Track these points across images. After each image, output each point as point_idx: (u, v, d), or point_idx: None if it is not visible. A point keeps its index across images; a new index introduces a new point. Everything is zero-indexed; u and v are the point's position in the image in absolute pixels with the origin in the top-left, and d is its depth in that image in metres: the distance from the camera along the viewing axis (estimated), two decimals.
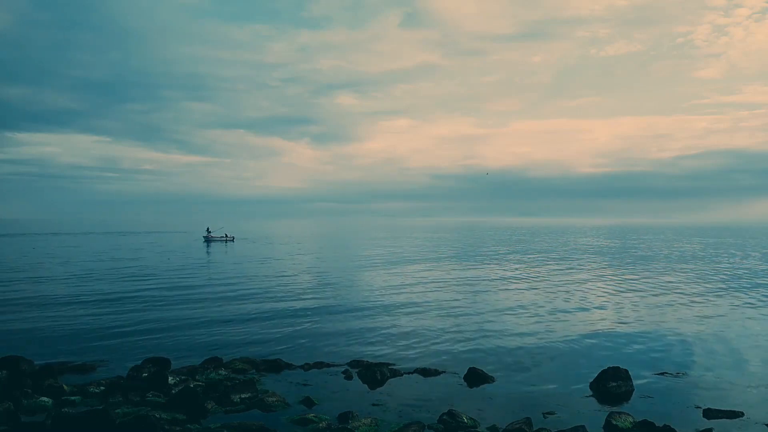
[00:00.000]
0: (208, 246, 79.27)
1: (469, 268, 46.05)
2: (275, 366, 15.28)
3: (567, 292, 31.53)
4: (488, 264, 50.71)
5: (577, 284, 35.21)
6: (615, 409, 12.04)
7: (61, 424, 10.10)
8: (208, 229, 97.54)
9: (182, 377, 13.75)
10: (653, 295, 30.05)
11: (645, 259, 56.65)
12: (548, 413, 11.92)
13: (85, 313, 23.42)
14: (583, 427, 10.58)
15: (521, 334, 20.04)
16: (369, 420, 11.06)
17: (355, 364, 15.73)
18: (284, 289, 32.00)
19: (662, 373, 15.09)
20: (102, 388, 12.84)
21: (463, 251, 70.44)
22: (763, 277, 40.33)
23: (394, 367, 15.37)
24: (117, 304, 26.07)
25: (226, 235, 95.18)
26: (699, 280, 37.52)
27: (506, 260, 55.18)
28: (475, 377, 14.42)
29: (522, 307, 26.14)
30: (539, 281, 36.80)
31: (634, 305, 26.67)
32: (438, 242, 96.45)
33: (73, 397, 12.21)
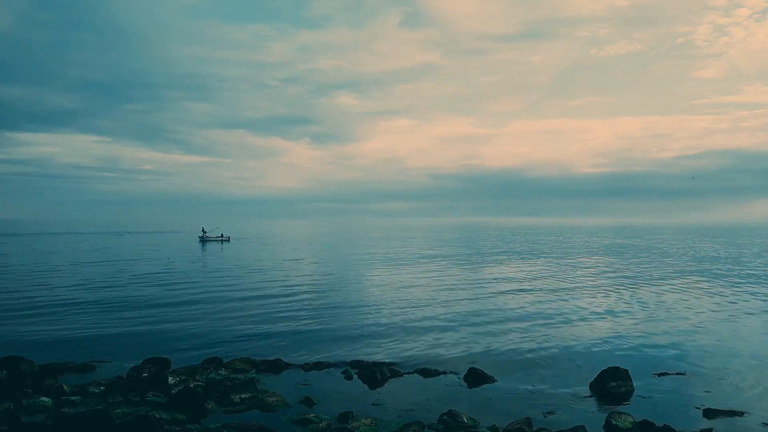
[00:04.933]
0: (203, 246, 79.24)
1: (469, 269, 46.06)
2: (275, 366, 15.29)
3: (567, 291, 31.52)
4: (488, 264, 50.72)
5: (577, 284, 35.21)
6: (615, 409, 12.04)
7: (61, 424, 10.10)
8: (203, 229, 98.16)
9: (182, 377, 13.76)
10: (653, 295, 30.03)
11: (644, 259, 56.66)
12: (548, 413, 11.92)
13: (85, 313, 23.42)
14: (583, 427, 10.59)
15: (521, 334, 20.04)
16: (369, 420, 11.06)
17: (355, 364, 15.73)
18: (284, 289, 32.00)
19: (662, 373, 15.10)
20: (102, 388, 12.85)
21: (462, 251, 70.45)
22: (765, 277, 40.31)
23: (394, 367, 15.38)
24: (117, 304, 26.08)
25: (222, 235, 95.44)
26: (700, 280, 37.51)
27: (506, 260, 55.18)
28: (475, 377, 14.42)
29: (522, 307, 26.14)
30: (539, 281, 36.79)
31: (634, 305, 26.66)
32: (438, 242, 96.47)
33: (73, 397, 12.21)
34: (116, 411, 11.15)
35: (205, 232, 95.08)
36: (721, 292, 31.75)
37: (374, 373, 14.33)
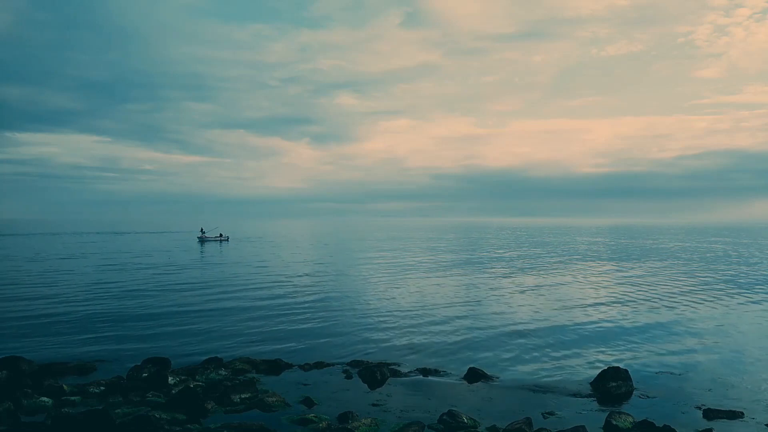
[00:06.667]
0: (202, 246, 79.17)
1: (470, 269, 46.05)
2: (275, 366, 15.28)
3: (567, 291, 31.53)
4: (488, 264, 50.72)
5: (578, 283, 35.21)
6: (615, 409, 12.05)
7: (61, 424, 10.10)
8: (202, 229, 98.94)
9: (182, 377, 13.75)
10: (654, 294, 30.04)
11: (646, 259, 56.65)
12: (548, 413, 11.92)
13: (85, 313, 23.41)
14: (583, 427, 10.58)
15: (521, 334, 20.04)
16: (369, 420, 11.06)
17: (355, 364, 15.73)
18: (284, 289, 32.00)
19: (662, 373, 15.10)
20: (102, 388, 12.84)
21: (462, 252, 70.45)
22: (765, 277, 40.31)
23: (394, 367, 15.38)
24: (116, 304, 26.07)
25: (221, 235, 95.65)
26: (700, 280, 37.51)
27: (506, 261, 55.18)
28: (475, 377, 14.43)
29: (522, 306, 26.14)
30: (540, 281, 36.78)
31: (635, 304, 26.66)
32: (438, 243, 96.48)
33: (73, 397, 12.21)
34: (116, 411, 11.15)
35: (204, 233, 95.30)
36: (723, 292, 31.74)
37: (374, 373, 14.33)
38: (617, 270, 44.95)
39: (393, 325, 21.68)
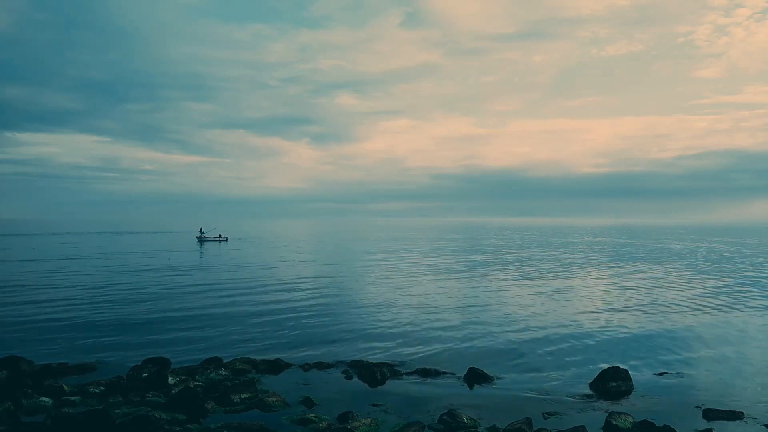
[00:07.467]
0: (201, 246, 79.12)
1: (469, 269, 46.05)
2: (275, 366, 15.29)
3: (567, 292, 31.53)
4: (488, 265, 50.71)
5: (578, 284, 35.21)
6: (615, 409, 12.04)
7: (61, 424, 10.10)
8: (201, 229, 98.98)
9: (182, 377, 13.76)
10: (654, 295, 30.03)
11: (645, 259, 56.64)
12: (548, 413, 11.92)
13: (85, 313, 23.43)
14: (583, 427, 10.58)
15: (521, 335, 20.04)
16: (369, 420, 11.06)
17: (355, 364, 15.73)
18: (284, 289, 32.00)
19: (662, 373, 15.09)
20: (102, 388, 12.85)
21: (463, 252, 70.45)
22: (765, 278, 40.30)
23: (394, 367, 15.37)
24: (116, 304, 26.08)
25: (220, 236, 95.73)
26: (700, 280, 37.51)
27: (506, 261, 55.18)
28: (475, 377, 14.42)
29: (522, 307, 26.14)
30: (540, 281, 36.79)
31: (635, 305, 26.66)
32: (439, 243, 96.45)
33: (73, 397, 12.21)
34: (116, 411, 11.16)
35: (203, 233, 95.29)
36: (724, 292, 31.73)
37: (374, 373, 14.33)
38: (618, 272, 44.95)
39: (393, 325, 21.68)
